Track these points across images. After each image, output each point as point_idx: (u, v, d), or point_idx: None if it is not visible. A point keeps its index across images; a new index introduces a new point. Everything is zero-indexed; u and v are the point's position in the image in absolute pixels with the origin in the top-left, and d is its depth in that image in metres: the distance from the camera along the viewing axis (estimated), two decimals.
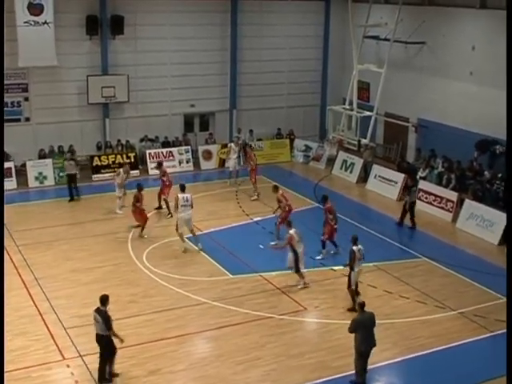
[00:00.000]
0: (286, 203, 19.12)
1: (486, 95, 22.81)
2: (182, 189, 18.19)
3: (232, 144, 25.42)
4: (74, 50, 25.30)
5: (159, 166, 21.94)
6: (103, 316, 11.76)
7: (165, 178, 21.38)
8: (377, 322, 14.24)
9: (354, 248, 14.73)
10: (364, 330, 11.94)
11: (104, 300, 11.92)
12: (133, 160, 25.96)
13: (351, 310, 14.49)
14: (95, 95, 25.63)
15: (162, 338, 13.64)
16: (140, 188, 19.34)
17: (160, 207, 21.44)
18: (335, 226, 17.53)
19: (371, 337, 12.01)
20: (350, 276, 14.97)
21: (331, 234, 17.52)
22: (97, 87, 25.58)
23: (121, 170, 21.75)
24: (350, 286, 15.02)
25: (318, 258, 16.99)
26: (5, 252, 17.35)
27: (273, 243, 18.51)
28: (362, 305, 12.07)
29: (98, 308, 11.93)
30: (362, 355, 11.96)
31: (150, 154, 26.47)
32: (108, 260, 17.60)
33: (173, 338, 13.69)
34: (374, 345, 12.08)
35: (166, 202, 21.08)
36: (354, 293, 14.84)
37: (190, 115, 28.81)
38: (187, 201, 17.56)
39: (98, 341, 11.98)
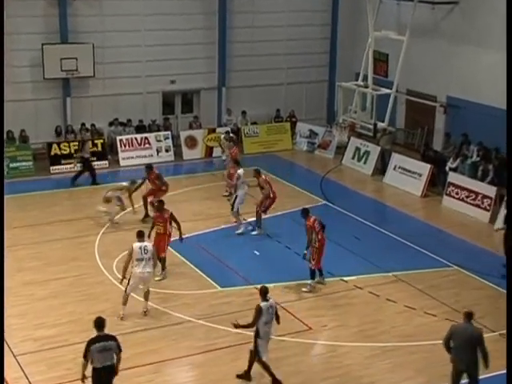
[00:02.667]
0: (270, 189, 19.69)
1: None
2: (140, 236, 15.54)
3: (222, 137, 25.12)
4: (25, 11, 25.12)
5: (149, 169, 21.05)
6: (116, 341, 11.53)
7: (158, 182, 20.79)
8: (397, 344, 14.22)
9: (263, 305, 12.67)
10: (458, 341, 11.91)
11: (101, 323, 11.66)
12: (100, 148, 25.87)
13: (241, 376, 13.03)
14: (53, 68, 25.49)
15: (133, 366, 13.51)
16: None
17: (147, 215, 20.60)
18: (316, 246, 16.45)
19: (464, 355, 11.88)
20: (255, 344, 12.81)
21: (318, 259, 16.75)
22: (55, 59, 25.43)
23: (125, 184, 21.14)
24: (257, 356, 12.84)
25: (305, 289, 16.71)
26: None
27: (254, 233, 19.56)
28: (470, 314, 11.97)
29: (102, 336, 11.62)
30: (454, 371, 11.99)
31: (121, 140, 26.41)
32: (69, 270, 17.51)
33: (147, 366, 13.58)
34: (466, 369, 11.94)
35: (145, 203, 20.69)
36: (267, 365, 12.85)
37: (169, 94, 28.73)
38: (145, 252, 15.20)
39: (107, 374, 11.65)
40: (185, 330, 14.88)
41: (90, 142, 24.95)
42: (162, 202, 17.65)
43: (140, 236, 15.37)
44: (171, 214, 17.20)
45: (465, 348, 11.90)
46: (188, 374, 13.67)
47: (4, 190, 19.34)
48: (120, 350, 11.66)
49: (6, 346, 13.87)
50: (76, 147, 25.27)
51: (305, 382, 13.25)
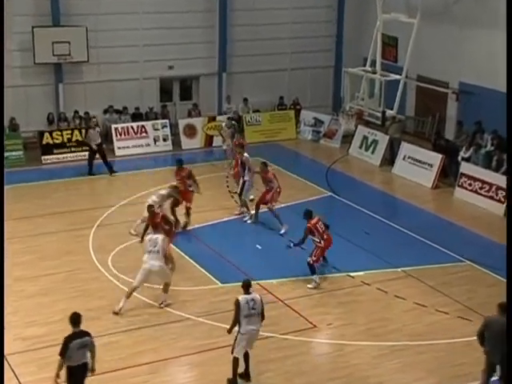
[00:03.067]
0: (278, 184, 19.73)
1: None
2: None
3: (224, 125, 25.13)
4: None
5: (180, 164, 20.21)
6: (91, 337, 11.57)
7: (189, 182, 19.67)
8: (406, 343, 14.22)
9: (241, 298, 12.72)
10: (492, 334, 12.00)
11: (77, 319, 11.63)
12: None
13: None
14: (44, 53, 25.44)
15: (130, 366, 13.51)
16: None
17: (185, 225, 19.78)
18: (321, 245, 16.66)
19: (498, 347, 11.94)
20: (235, 338, 12.88)
21: (319, 257, 16.91)
22: (46, 42, 25.37)
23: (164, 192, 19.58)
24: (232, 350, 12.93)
25: (310, 286, 16.74)
26: None
27: (282, 231, 19.20)
28: (504, 306, 12.00)
29: (78, 332, 11.59)
30: (487, 363, 12.09)
31: (116, 129, 26.41)
32: (62, 265, 17.49)
33: (144, 365, 13.57)
34: (499, 361, 12.03)
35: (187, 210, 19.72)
36: (237, 364, 12.88)
37: (167, 80, 28.69)
38: (155, 245, 15.49)
39: (82, 372, 11.69)
40: (184, 329, 14.86)
41: (96, 128, 24.57)
42: (150, 206, 17.42)
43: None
44: (162, 216, 17.14)
45: (498, 340, 11.92)
46: (187, 374, 13.64)
47: (4, 190, 19.36)
48: (94, 346, 11.68)
49: None
50: (69, 136, 25.29)
51: (310, 382, 13.23)
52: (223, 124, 25.33)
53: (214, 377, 13.29)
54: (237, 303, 12.63)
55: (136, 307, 15.57)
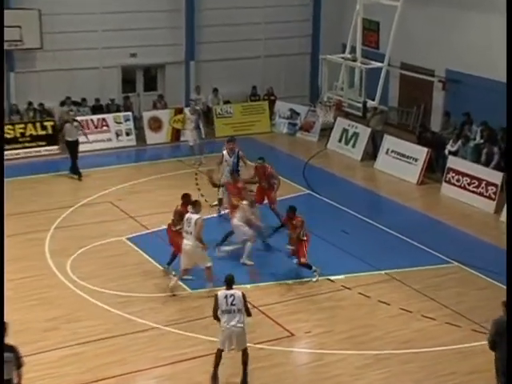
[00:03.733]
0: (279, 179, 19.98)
1: None
2: (192, 204, 16.88)
3: (187, 111, 25.26)
4: None
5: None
6: (15, 352, 11.33)
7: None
8: (391, 351, 14.33)
9: (219, 293, 13.24)
10: (502, 338, 11.89)
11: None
12: (50, 131, 25.73)
13: None
14: None
15: (94, 380, 13.46)
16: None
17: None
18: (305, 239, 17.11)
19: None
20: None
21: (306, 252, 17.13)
22: None
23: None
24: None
25: (315, 280, 17.00)
26: None
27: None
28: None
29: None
30: (500, 375, 12.02)
31: (63, 114, 26.18)
32: (17, 271, 17.31)
33: (109, 379, 13.51)
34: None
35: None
36: (219, 356, 13.30)
37: (130, 69, 28.65)
38: (189, 225, 16.33)
39: None
40: (151, 339, 14.82)
41: (74, 122, 24.11)
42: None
43: (194, 205, 16.63)
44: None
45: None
46: None
47: (4, 190, 19.26)
48: (20, 364, 11.17)
49: None
50: (22, 130, 25.16)
51: None
52: (187, 111, 25.32)
53: None
54: (214, 297, 13.14)
55: (98, 316, 15.54)
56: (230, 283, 13.24)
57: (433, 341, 14.97)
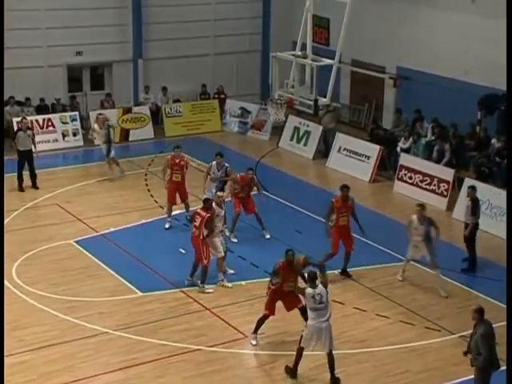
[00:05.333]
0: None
1: (493, 31, 23.08)
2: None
3: (96, 125, 24.16)
4: None
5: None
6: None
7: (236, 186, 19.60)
8: (345, 351, 14.41)
9: (307, 292, 13.61)
10: (490, 342, 12.14)
11: None
12: None
13: None
14: None
15: None
16: None
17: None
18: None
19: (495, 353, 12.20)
20: None
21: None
22: None
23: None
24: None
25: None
26: None
27: (267, 236, 19.46)
28: (482, 311, 12.18)
29: None
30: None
31: (18, 122, 25.73)
32: None
33: None
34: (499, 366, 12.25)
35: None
36: (300, 354, 13.85)
37: (76, 67, 28.43)
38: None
39: None
40: (101, 344, 14.73)
41: (28, 131, 23.00)
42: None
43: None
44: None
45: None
46: None
47: (4, 189, 18.90)
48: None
49: None
50: None
51: None
52: (96, 125, 24.13)
53: None
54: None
55: (46, 322, 15.37)
56: (313, 279, 13.47)
57: (387, 339, 15.10)
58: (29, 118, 25.73)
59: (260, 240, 19.21)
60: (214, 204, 16.85)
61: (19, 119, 24.45)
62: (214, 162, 20.21)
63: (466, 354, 12.55)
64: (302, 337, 13.55)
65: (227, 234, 18.62)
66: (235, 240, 19.16)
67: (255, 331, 14.74)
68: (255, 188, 19.83)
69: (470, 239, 18.11)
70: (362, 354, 14.56)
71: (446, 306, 16.48)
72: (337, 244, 17.30)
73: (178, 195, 19.95)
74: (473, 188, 18.33)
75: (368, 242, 19.30)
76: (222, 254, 16.79)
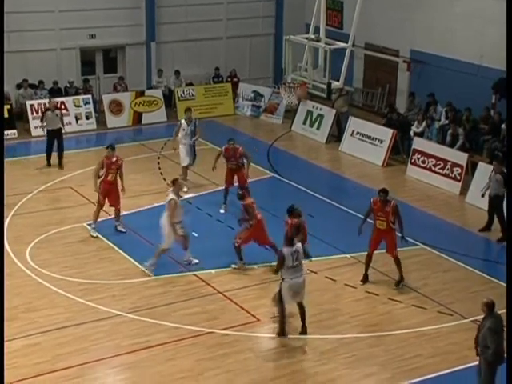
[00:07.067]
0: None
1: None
2: (172, 182, 17.13)
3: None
4: None
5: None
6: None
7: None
8: (357, 335, 14.42)
9: (285, 251, 14.16)
10: (498, 336, 12.08)
11: None
12: (7, 115, 25.42)
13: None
14: None
15: (52, 370, 13.40)
16: None
17: None
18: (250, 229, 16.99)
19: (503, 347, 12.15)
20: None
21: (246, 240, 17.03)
22: None
23: None
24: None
25: (234, 266, 17.09)
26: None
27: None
28: (491, 304, 12.12)
29: None
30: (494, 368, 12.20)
31: (32, 105, 26.08)
32: None
33: (69, 369, 13.46)
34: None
35: None
36: (283, 315, 14.57)
37: (89, 50, 28.44)
38: (166, 201, 16.74)
39: None
40: (113, 326, 14.79)
41: (56, 110, 23.47)
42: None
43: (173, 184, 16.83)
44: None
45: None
46: (118, 376, 13.59)
47: (4, 189, 19.05)
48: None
49: None
50: None
51: (253, 381, 13.31)
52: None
53: (149, 379, 13.28)
54: (281, 256, 14.07)
55: (59, 304, 15.45)
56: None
57: (398, 324, 15.11)
58: (41, 101, 25.95)
59: (273, 223, 19.17)
60: (172, 194, 16.53)
61: (50, 97, 24.61)
62: (183, 120, 21.11)
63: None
64: (278, 296, 14.24)
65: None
66: (223, 211, 19.81)
67: None
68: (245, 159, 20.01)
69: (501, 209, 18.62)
70: (373, 339, 14.58)
71: (459, 290, 16.46)
72: (371, 245, 16.67)
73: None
74: (498, 162, 18.81)
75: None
76: (165, 247, 16.60)
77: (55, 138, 23.06)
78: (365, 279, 16.63)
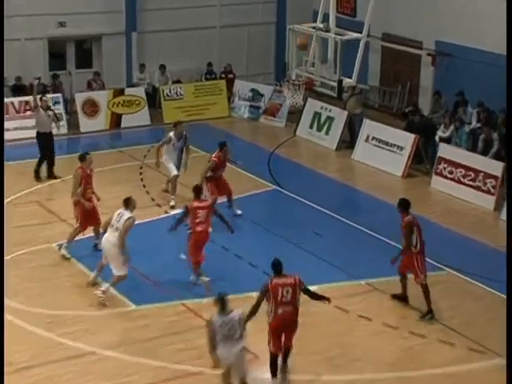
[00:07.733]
0: None
1: None
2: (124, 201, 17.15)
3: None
4: None
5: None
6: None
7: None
8: (373, 375, 14.43)
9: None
10: None
11: None
12: None
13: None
14: None
15: None
16: None
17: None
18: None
19: None
20: None
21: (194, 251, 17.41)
22: None
23: None
24: None
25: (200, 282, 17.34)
26: None
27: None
28: None
29: None
30: None
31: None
32: None
33: None
34: None
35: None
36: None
37: (59, 41, 28.62)
38: (119, 220, 16.68)
39: None
40: (87, 366, 14.75)
41: (49, 111, 23.59)
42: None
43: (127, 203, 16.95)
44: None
45: None
46: None
47: (4, 189, 19.14)
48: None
49: None
50: None
51: None
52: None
53: None
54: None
55: (23, 340, 15.43)
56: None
57: (423, 362, 15.07)
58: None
59: (273, 244, 19.21)
60: (128, 212, 16.72)
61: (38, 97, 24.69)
62: (172, 133, 21.30)
63: None
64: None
65: None
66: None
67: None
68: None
69: None
70: (392, 380, 14.56)
71: (491, 321, 16.47)
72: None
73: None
74: None
75: (399, 246, 19.33)
76: (121, 273, 16.57)
77: (47, 143, 23.15)
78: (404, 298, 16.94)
